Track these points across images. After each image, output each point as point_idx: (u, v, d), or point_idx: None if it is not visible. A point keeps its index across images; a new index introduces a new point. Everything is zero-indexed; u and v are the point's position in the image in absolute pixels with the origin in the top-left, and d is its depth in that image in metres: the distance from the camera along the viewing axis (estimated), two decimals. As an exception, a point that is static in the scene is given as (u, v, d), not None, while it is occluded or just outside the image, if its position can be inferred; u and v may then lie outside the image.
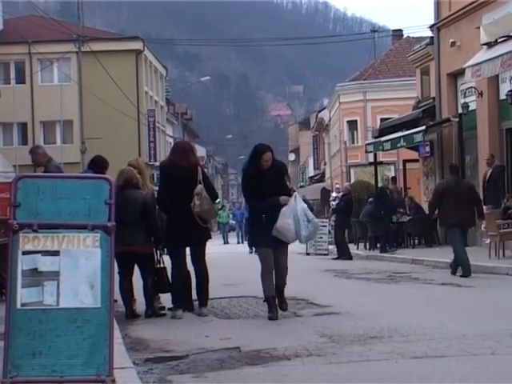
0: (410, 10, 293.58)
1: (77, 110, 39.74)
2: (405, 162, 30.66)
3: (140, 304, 9.91)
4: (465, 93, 22.75)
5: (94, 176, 6.51)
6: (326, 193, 48.18)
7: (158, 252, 9.95)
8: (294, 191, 9.47)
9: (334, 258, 22.23)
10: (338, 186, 31.21)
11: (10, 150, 43.68)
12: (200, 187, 9.44)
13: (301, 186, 66.39)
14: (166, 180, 9.64)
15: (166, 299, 9.98)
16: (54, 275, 5.13)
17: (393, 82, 43.03)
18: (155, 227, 9.76)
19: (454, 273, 14.46)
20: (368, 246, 25.08)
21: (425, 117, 25.02)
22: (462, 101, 22.79)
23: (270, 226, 9.00)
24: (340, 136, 47.56)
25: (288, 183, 9.60)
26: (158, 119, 54.43)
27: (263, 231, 9.04)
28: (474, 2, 21.44)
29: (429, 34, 26.87)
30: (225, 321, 9.25)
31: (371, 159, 32.37)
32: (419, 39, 35.14)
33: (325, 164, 60.65)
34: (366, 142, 31.37)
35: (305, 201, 30.14)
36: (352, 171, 43.93)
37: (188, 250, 9.70)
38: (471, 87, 21.88)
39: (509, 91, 19.32)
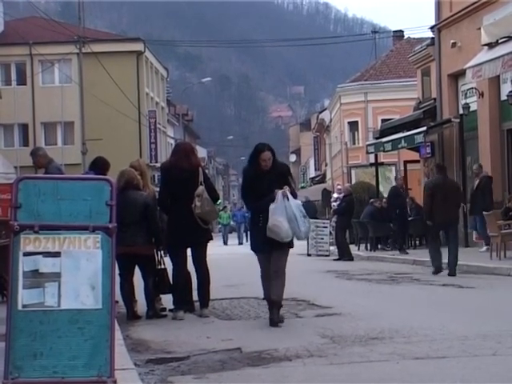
0: (410, 10, 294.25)
1: (78, 112, 39.79)
2: (406, 162, 30.65)
3: (141, 305, 9.91)
4: (466, 93, 22.75)
5: (95, 177, 6.52)
6: (327, 194, 48.17)
7: (159, 253, 9.95)
8: (283, 189, 8.68)
9: (335, 259, 22.23)
10: (339, 186, 31.22)
11: (10, 151, 43.66)
12: (201, 188, 9.44)
13: (302, 187, 66.47)
14: (167, 181, 9.64)
15: (167, 300, 9.98)
16: (55, 276, 5.13)
17: (394, 82, 43.07)
18: (156, 228, 9.75)
19: (436, 272, 14.84)
20: (369, 247, 25.09)
21: (426, 118, 25.02)
22: (462, 101, 22.79)
23: (266, 230, 8.61)
24: (341, 137, 47.58)
25: (293, 185, 9.20)
26: (158, 120, 54.45)
27: (260, 236, 8.73)
28: (474, 3, 21.44)
29: (430, 34, 26.87)
30: (226, 322, 9.25)
31: (372, 160, 32.37)
32: (420, 40, 35.12)
33: (326, 165, 60.68)
34: (367, 142, 31.39)
35: (308, 202, 30.38)
36: (353, 172, 43.93)
37: (189, 251, 9.71)
38: (472, 88, 21.89)
39: (510, 92, 19.33)
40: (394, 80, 43.35)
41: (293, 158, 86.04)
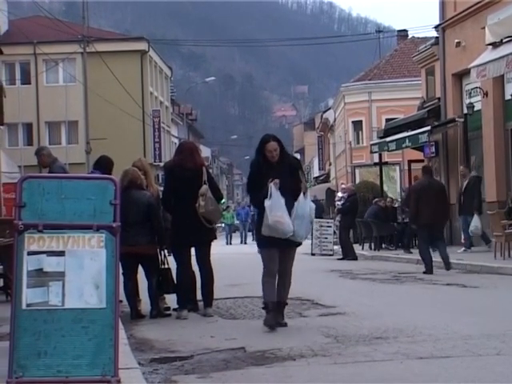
0: (415, 10, 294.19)
1: (82, 111, 39.77)
2: (410, 162, 30.63)
3: (145, 304, 9.91)
4: (470, 93, 22.73)
5: (99, 176, 6.51)
6: (331, 193, 48.20)
7: (163, 253, 9.95)
8: (273, 181, 8.21)
9: (338, 259, 22.22)
10: (343, 186, 31.21)
11: (15, 150, 43.75)
12: (205, 188, 9.43)
13: (306, 187, 66.32)
14: (171, 180, 9.63)
15: (171, 300, 9.98)
16: (60, 275, 5.13)
17: (398, 82, 43.04)
18: (159, 228, 9.75)
19: (428, 272, 14.95)
20: (373, 247, 25.08)
21: (430, 117, 25.00)
22: (467, 101, 22.77)
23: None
24: (345, 136, 47.58)
25: (304, 180, 8.70)
26: (162, 120, 54.49)
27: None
28: (479, 2, 21.42)
29: (434, 34, 26.87)
30: (230, 321, 9.25)
31: (376, 159, 32.38)
32: (424, 39, 35.14)
33: (330, 164, 60.65)
34: (371, 142, 31.37)
35: (316, 201, 30.33)
36: (357, 171, 43.90)
37: (193, 250, 9.70)
38: (476, 87, 21.86)
39: (514, 91, 19.32)
40: (398, 79, 43.33)
41: (297, 157, 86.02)
